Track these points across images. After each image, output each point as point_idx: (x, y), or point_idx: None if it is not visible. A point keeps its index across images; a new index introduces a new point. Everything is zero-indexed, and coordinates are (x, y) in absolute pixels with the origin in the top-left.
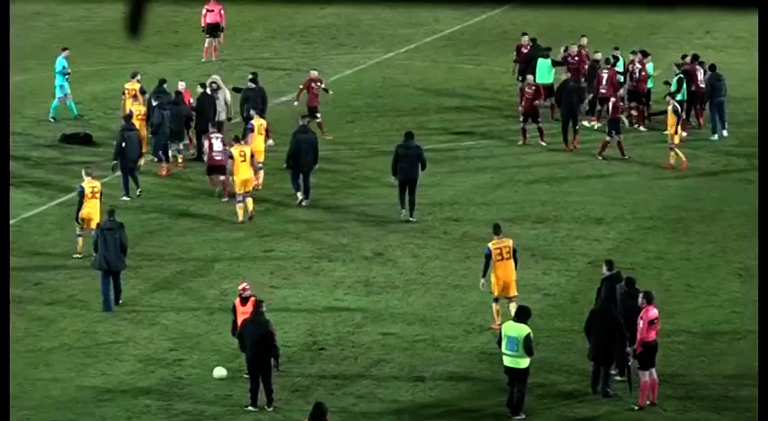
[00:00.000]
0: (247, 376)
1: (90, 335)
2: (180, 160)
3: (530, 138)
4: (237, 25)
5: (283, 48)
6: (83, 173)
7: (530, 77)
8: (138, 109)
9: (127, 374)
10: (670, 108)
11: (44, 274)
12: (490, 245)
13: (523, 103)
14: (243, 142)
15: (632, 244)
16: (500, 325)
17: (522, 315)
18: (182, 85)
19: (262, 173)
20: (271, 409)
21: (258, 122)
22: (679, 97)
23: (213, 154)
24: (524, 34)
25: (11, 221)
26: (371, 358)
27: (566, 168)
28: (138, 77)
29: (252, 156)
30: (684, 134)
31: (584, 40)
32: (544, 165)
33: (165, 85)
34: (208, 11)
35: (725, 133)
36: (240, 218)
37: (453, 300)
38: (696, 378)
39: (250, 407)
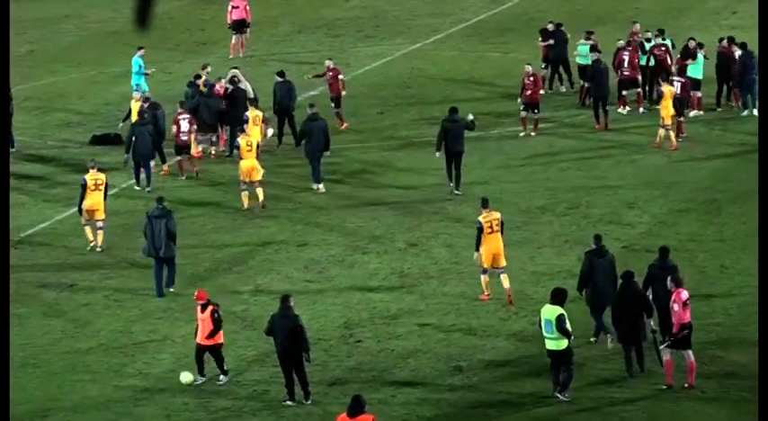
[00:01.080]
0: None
1: (126, 335)
2: (213, 152)
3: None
4: (264, 21)
5: (310, 42)
6: (87, 165)
7: (528, 68)
8: (246, 140)
9: (164, 373)
10: (656, 92)
11: (79, 276)
12: (480, 218)
13: (524, 93)
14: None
15: (665, 227)
16: (488, 295)
17: (557, 297)
18: (222, 82)
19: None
20: (309, 403)
21: (253, 114)
22: (691, 75)
23: (180, 134)
24: (550, 22)
25: (44, 224)
26: (408, 349)
27: (596, 153)
28: (209, 69)
29: (258, 146)
30: (696, 113)
31: (638, 26)
32: (575, 151)
33: (198, 81)
34: (233, 7)
35: (755, 111)
36: (246, 205)
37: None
38: (734, 358)
39: (288, 402)
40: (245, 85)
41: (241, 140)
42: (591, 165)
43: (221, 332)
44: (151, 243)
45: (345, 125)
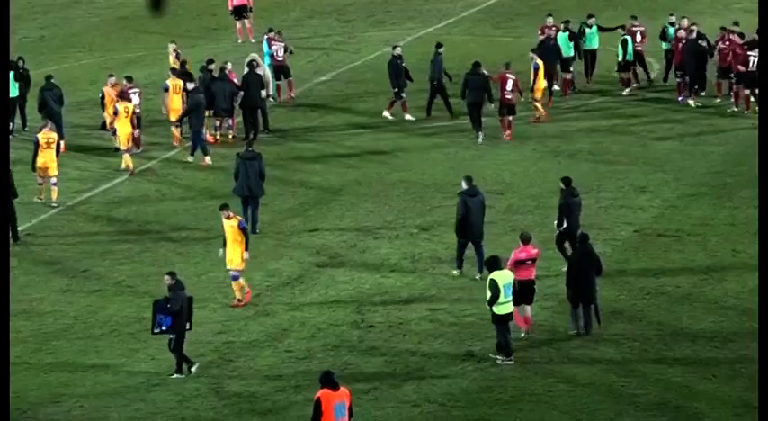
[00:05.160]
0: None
1: (139, 321)
2: (231, 136)
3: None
4: (275, 6)
5: (321, 26)
6: (41, 126)
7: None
8: (124, 105)
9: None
10: (532, 66)
11: (91, 262)
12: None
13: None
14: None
15: (677, 211)
16: (241, 302)
17: (500, 262)
18: (229, 66)
19: (178, 130)
20: (195, 371)
21: (174, 82)
22: (629, 58)
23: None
24: (549, 15)
25: (55, 210)
26: (420, 334)
27: (607, 137)
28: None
29: (133, 112)
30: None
31: (685, 22)
32: (585, 135)
33: (211, 66)
34: None
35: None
36: (130, 166)
37: None
38: (746, 342)
39: (179, 375)
40: (265, 69)
41: (119, 106)
42: (602, 150)
43: None
44: (244, 182)
45: None
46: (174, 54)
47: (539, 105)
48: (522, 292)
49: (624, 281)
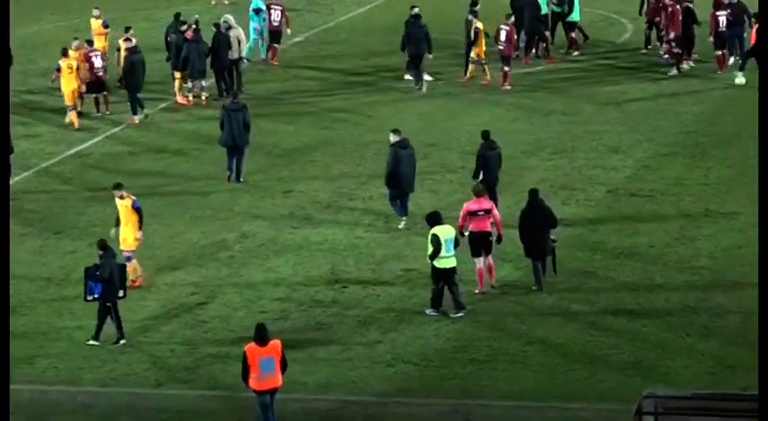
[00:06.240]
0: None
1: None
2: (204, 98)
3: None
4: None
5: None
6: None
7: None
8: (67, 62)
9: (150, 320)
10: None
11: (65, 222)
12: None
13: (505, 47)
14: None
15: (650, 171)
16: (140, 280)
17: (441, 217)
18: (185, 26)
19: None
20: (123, 341)
21: (122, 44)
22: (571, 18)
23: (95, 70)
24: None
25: (28, 172)
26: (394, 294)
27: (581, 98)
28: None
29: (78, 68)
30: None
31: None
32: (559, 95)
33: (183, 27)
34: None
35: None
36: (76, 125)
37: None
38: (719, 301)
39: (123, 341)
40: (238, 31)
41: (62, 63)
42: (575, 110)
43: None
44: (229, 133)
45: None
46: (101, 21)
47: (486, 67)
48: (478, 243)
49: (597, 241)
